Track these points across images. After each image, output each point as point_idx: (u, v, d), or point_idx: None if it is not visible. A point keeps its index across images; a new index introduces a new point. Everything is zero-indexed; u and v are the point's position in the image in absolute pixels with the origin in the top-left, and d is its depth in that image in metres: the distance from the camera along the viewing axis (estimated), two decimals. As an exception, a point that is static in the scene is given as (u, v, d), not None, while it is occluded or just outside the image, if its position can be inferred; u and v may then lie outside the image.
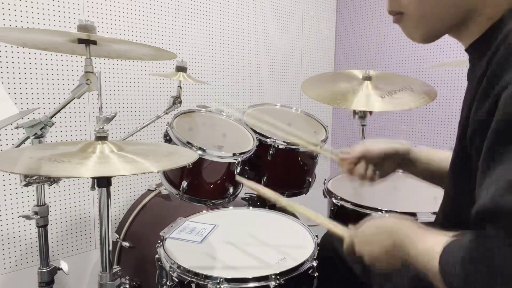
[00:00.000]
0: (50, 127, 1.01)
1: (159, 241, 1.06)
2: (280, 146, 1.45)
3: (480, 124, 0.59)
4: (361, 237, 0.78)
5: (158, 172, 1.42)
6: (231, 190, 1.39)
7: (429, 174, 0.99)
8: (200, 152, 1.25)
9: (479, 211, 0.54)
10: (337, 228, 0.86)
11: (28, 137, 1.02)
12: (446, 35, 0.72)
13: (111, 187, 0.87)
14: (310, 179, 1.58)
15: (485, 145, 0.56)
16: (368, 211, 1.24)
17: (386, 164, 1.00)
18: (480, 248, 0.53)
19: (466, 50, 0.71)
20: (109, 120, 0.89)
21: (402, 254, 0.69)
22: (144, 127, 1.48)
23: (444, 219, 0.78)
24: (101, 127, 0.87)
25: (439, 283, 0.58)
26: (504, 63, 0.56)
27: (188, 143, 1.27)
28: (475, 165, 0.60)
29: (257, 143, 1.43)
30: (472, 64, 0.71)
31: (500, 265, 0.51)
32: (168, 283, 0.95)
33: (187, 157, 0.90)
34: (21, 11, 1.44)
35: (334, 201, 1.36)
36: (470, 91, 0.64)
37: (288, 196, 1.59)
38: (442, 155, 0.96)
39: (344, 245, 0.82)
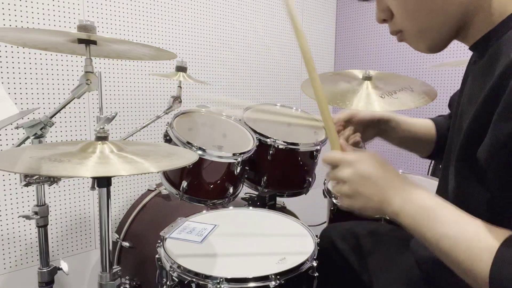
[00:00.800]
0: (50, 127, 1.01)
1: (159, 241, 1.06)
2: (280, 146, 1.45)
3: (505, 144, 0.54)
4: (359, 168, 0.68)
5: (158, 172, 1.42)
6: (231, 190, 1.39)
7: (404, 141, 1.08)
8: (200, 152, 1.25)
9: None
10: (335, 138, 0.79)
11: (28, 137, 1.02)
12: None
13: (111, 187, 0.87)
14: (310, 179, 1.58)
15: None
16: (368, 211, 1.24)
17: (368, 130, 1.08)
18: None
19: (471, 47, 0.71)
20: (109, 120, 0.89)
21: (411, 221, 0.61)
22: (144, 127, 1.48)
23: None
24: (102, 127, 0.87)
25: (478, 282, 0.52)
26: None
27: (188, 143, 1.27)
28: (490, 172, 0.59)
29: (257, 143, 1.43)
30: (477, 57, 0.70)
31: None
32: (168, 283, 0.95)
33: (187, 158, 0.90)
34: (21, 11, 1.44)
35: (334, 201, 1.36)
36: (478, 95, 0.62)
37: (288, 196, 1.59)
38: (418, 123, 1.07)
39: (333, 174, 0.73)
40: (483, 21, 0.65)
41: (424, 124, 1.10)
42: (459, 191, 0.68)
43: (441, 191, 0.77)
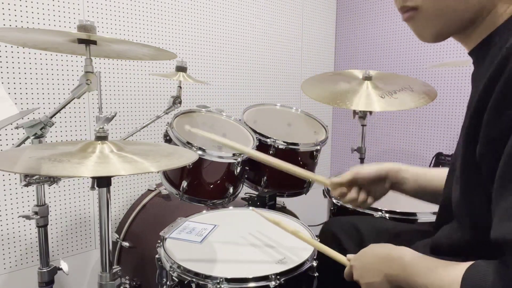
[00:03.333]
0: (50, 127, 1.02)
1: (159, 241, 1.06)
2: (280, 146, 1.45)
3: (495, 139, 0.57)
4: (359, 265, 0.79)
5: (158, 172, 1.42)
6: (231, 190, 1.39)
7: (420, 191, 0.97)
8: (200, 152, 1.25)
9: (500, 239, 0.54)
10: (336, 255, 0.88)
11: (28, 137, 1.02)
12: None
13: (111, 187, 0.87)
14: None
15: (502, 165, 0.55)
16: (368, 211, 1.24)
17: (378, 187, 0.98)
18: (505, 278, 0.53)
19: (470, 53, 0.70)
20: (109, 120, 0.89)
21: (406, 283, 0.69)
22: (144, 127, 1.48)
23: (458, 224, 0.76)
24: (101, 127, 0.87)
25: None
26: None
27: (188, 143, 1.27)
28: (486, 174, 0.59)
29: (257, 143, 1.43)
30: (476, 66, 0.70)
31: None
32: (168, 283, 0.95)
33: (187, 157, 0.90)
34: (21, 11, 1.44)
35: (334, 201, 1.36)
36: (474, 97, 0.62)
37: (288, 196, 1.60)
38: (429, 173, 0.96)
39: (345, 272, 0.84)
40: (486, 25, 0.65)
41: (441, 174, 0.95)
42: (463, 198, 0.68)
43: (446, 200, 0.77)
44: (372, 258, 0.77)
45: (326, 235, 1.08)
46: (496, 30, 0.64)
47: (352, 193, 0.98)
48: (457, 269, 0.60)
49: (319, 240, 1.03)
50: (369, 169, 0.97)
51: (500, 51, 0.57)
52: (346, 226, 1.08)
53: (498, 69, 0.56)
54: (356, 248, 0.98)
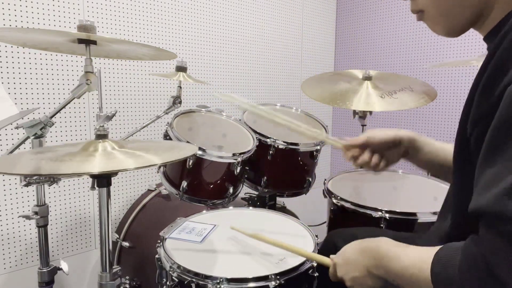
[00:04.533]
0: (50, 127, 1.02)
1: (159, 241, 1.06)
2: (280, 146, 1.45)
3: (482, 117, 0.59)
4: (341, 262, 0.82)
5: (158, 172, 1.42)
6: (231, 190, 1.39)
7: (434, 166, 0.97)
8: (200, 152, 1.25)
9: (476, 210, 0.55)
10: (319, 257, 0.90)
11: (28, 137, 1.02)
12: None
13: (111, 187, 0.87)
14: (310, 179, 1.58)
15: (486, 140, 0.56)
16: (368, 211, 1.24)
17: (391, 152, 0.98)
18: (478, 254, 0.54)
19: (484, 39, 0.71)
20: (109, 118, 0.89)
21: (384, 272, 0.71)
22: (144, 127, 1.48)
23: (455, 213, 0.77)
24: (102, 125, 0.87)
25: None
26: (509, 58, 0.56)
27: (188, 143, 1.27)
28: (475, 158, 0.60)
29: (257, 143, 1.43)
30: (488, 48, 0.71)
31: (500, 270, 0.51)
32: (168, 283, 0.95)
33: (188, 150, 0.91)
34: (21, 11, 1.44)
35: (334, 201, 1.36)
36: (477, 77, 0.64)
37: (288, 196, 1.60)
38: (447, 148, 0.94)
39: (329, 272, 0.86)
40: (499, 11, 0.65)
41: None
42: (462, 188, 0.68)
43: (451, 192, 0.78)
44: (352, 253, 0.80)
45: (329, 247, 1.08)
46: (504, 18, 0.64)
47: (365, 156, 0.97)
48: (430, 251, 0.62)
49: (319, 249, 1.03)
50: (384, 133, 0.97)
51: (503, 38, 0.58)
52: (348, 238, 1.08)
53: (492, 53, 0.58)
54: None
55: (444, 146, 0.96)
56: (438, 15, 0.69)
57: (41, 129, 1.00)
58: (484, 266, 0.53)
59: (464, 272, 0.55)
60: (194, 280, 0.90)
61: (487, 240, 0.54)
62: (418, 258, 0.64)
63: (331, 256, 0.87)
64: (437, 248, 0.62)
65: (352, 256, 0.80)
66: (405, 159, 1.00)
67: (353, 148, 0.99)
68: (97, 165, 0.74)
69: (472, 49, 2.13)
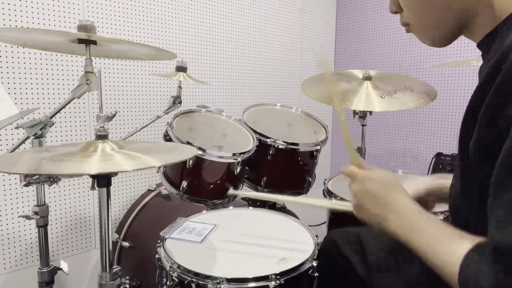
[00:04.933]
0: (50, 127, 1.01)
1: (159, 241, 1.06)
2: (280, 146, 1.45)
3: (489, 142, 0.58)
4: (367, 185, 0.77)
5: (158, 172, 1.42)
6: (231, 190, 1.39)
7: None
8: (200, 152, 1.25)
9: (499, 245, 0.54)
10: (340, 205, 0.91)
11: (28, 137, 1.02)
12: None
13: (111, 187, 0.87)
14: (310, 179, 1.58)
15: (497, 167, 0.55)
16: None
17: (429, 200, 0.96)
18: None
19: (477, 46, 0.71)
20: (109, 118, 0.89)
21: (400, 235, 0.69)
22: (144, 127, 1.48)
23: (454, 213, 0.77)
24: (102, 125, 0.87)
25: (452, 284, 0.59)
26: None
27: (188, 143, 1.27)
28: (479, 174, 0.60)
29: (257, 143, 1.43)
30: (483, 59, 0.71)
31: None
32: (168, 283, 0.95)
33: (188, 152, 0.91)
34: (21, 11, 1.44)
35: (334, 201, 1.36)
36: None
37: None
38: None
39: (351, 174, 0.81)
40: (487, 18, 0.65)
41: None
42: (464, 192, 0.68)
43: (452, 195, 0.77)
44: (381, 191, 0.75)
45: (329, 247, 1.08)
46: (499, 25, 0.64)
47: None
48: (461, 247, 0.59)
49: (319, 249, 1.02)
50: (422, 183, 0.96)
51: (500, 45, 0.57)
52: (349, 237, 1.08)
53: (490, 73, 0.57)
54: (359, 260, 0.98)
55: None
56: (422, 28, 0.72)
57: (41, 129, 1.00)
58: None
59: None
60: (194, 280, 0.90)
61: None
62: (453, 251, 0.61)
63: (362, 171, 0.80)
64: (468, 244, 0.59)
65: (378, 195, 0.75)
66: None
67: None
68: (95, 166, 0.74)
69: (472, 49, 2.13)
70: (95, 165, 0.75)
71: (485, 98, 0.57)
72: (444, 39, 0.72)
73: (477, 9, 0.65)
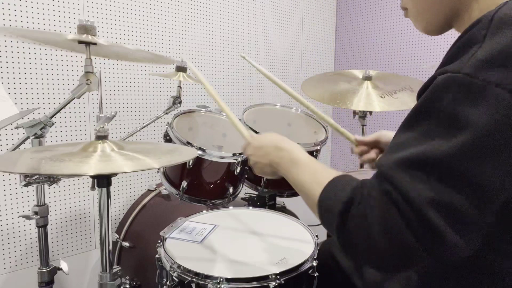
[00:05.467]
0: (50, 127, 1.02)
1: (159, 241, 1.06)
2: (280, 146, 1.45)
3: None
4: (256, 144, 0.90)
5: (158, 172, 1.42)
6: (231, 190, 1.39)
7: None
8: (200, 152, 1.25)
9: (378, 166, 0.59)
10: (243, 129, 1.00)
11: (28, 137, 1.02)
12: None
13: (111, 187, 0.87)
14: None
15: (415, 106, 0.61)
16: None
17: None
18: (361, 201, 0.57)
19: None
20: (109, 119, 0.89)
21: (284, 174, 0.80)
22: (144, 127, 1.48)
23: None
24: (102, 126, 0.87)
25: (316, 214, 0.66)
26: (458, 51, 0.59)
27: (188, 143, 1.27)
28: None
29: (257, 143, 1.43)
30: None
31: (372, 227, 0.55)
32: (168, 283, 0.95)
33: (188, 154, 0.91)
34: (21, 11, 1.44)
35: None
36: None
37: (288, 196, 1.59)
38: None
39: (242, 147, 0.95)
40: (475, 14, 0.65)
41: None
42: None
43: None
44: (267, 143, 0.87)
45: (329, 247, 1.08)
46: (469, 27, 0.63)
47: (372, 153, 1.04)
48: (330, 175, 0.66)
49: (316, 258, 1.02)
50: (391, 136, 1.01)
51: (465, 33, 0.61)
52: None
53: (425, 86, 0.64)
54: (354, 268, 0.98)
55: None
56: (417, 13, 0.74)
57: (41, 129, 1.00)
58: (362, 212, 0.56)
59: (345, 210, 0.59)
60: (194, 280, 0.90)
61: (373, 191, 0.57)
62: (319, 178, 0.68)
63: (251, 134, 0.97)
64: (338, 174, 0.67)
65: (265, 146, 0.87)
66: None
67: (362, 145, 1.06)
68: (94, 167, 0.74)
69: (472, 49, 2.13)
70: (94, 166, 0.75)
71: None
72: (436, 28, 0.73)
73: (470, 2, 0.66)
